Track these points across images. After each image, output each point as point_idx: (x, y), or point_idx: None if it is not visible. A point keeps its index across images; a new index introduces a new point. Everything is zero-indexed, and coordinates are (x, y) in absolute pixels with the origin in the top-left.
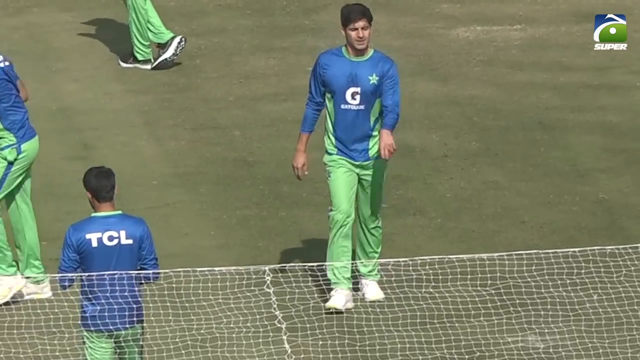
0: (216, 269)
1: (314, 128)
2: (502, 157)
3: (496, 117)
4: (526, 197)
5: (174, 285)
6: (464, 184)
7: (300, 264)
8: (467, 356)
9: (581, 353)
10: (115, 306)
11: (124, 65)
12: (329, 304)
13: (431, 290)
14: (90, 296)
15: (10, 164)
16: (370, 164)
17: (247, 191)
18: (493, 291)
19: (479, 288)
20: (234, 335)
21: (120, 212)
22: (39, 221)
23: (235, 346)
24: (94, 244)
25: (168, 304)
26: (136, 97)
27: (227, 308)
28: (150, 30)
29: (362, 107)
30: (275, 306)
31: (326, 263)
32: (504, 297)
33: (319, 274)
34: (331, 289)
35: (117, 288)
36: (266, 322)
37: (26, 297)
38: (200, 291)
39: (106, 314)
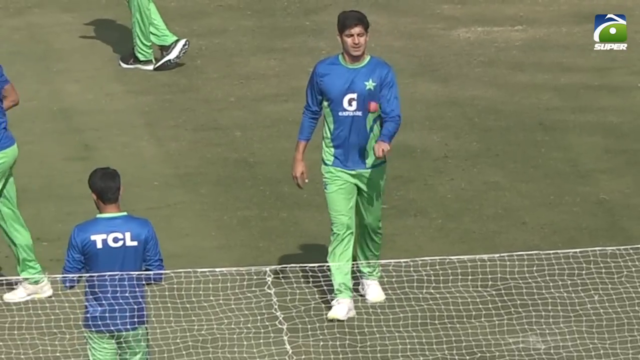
0: (217, 269)
1: (311, 136)
2: (502, 157)
3: (497, 117)
4: (527, 198)
5: (174, 286)
6: (465, 185)
7: (301, 264)
8: (468, 357)
9: (582, 354)
10: (116, 307)
11: (124, 66)
12: (330, 315)
13: (432, 290)
14: (93, 297)
15: None
16: (367, 172)
17: (248, 192)
18: (494, 292)
19: (479, 289)
20: (235, 336)
21: (125, 213)
22: (40, 222)
23: (236, 347)
24: (99, 245)
25: (169, 304)
26: (137, 97)
27: (228, 309)
28: (153, 33)
29: (359, 113)
30: (276, 307)
31: (327, 264)
32: (505, 297)
33: (319, 274)
34: (332, 290)
35: (119, 289)
36: (267, 323)
37: (27, 298)
38: (201, 292)
39: (107, 314)
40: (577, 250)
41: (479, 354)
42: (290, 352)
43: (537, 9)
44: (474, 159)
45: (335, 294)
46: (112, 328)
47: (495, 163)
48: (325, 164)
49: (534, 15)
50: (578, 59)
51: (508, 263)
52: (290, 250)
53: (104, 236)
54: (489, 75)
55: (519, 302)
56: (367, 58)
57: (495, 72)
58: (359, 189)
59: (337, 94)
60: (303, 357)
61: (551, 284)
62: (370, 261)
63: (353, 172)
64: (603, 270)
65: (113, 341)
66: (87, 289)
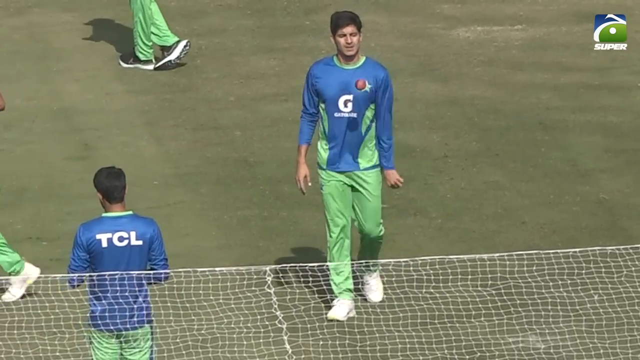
0: (217, 269)
1: (311, 139)
2: (502, 157)
3: (497, 117)
4: (527, 198)
5: (174, 285)
6: (465, 184)
7: (301, 264)
8: (467, 356)
9: (582, 353)
10: (116, 306)
11: (124, 65)
12: (330, 315)
13: (432, 290)
14: (97, 296)
15: None
16: (362, 174)
17: (248, 191)
18: (494, 291)
19: (479, 288)
20: (234, 336)
21: (131, 212)
22: (40, 221)
23: (236, 346)
24: (104, 244)
25: (169, 304)
26: (137, 97)
27: (228, 308)
28: (155, 34)
29: (354, 114)
30: (276, 306)
31: (327, 263)
32: (505, 297)
33: (319, 274)
34: (332, 290)
35: (120, 288)
36: (267, 323)
37: (23, 291)
38: (201, 291)
39: (107, 314)
40: (577, 249)
41: (479, 354)
42: (290, 351)
43: (536, 9)
44: (474, 159)
45: (336, 295)
46: (111, 327)
47: (495, 162)
48: (320, 168)
49: (533, 14)
50: (578, 58)
51: (508, 263)
52: (290, 249)
53: (109, 235)
54: (489, 74)
55: (518, 301)
56: (363, 59)
57: (495, 71)
58: (355, 193)
59: (332, 95)
60: (303, 356)
61: (551, 284)
62: (369, 261)
63: (347, 174)
64: (603, 270)
65: (115, 340)
66: (94, 288)
